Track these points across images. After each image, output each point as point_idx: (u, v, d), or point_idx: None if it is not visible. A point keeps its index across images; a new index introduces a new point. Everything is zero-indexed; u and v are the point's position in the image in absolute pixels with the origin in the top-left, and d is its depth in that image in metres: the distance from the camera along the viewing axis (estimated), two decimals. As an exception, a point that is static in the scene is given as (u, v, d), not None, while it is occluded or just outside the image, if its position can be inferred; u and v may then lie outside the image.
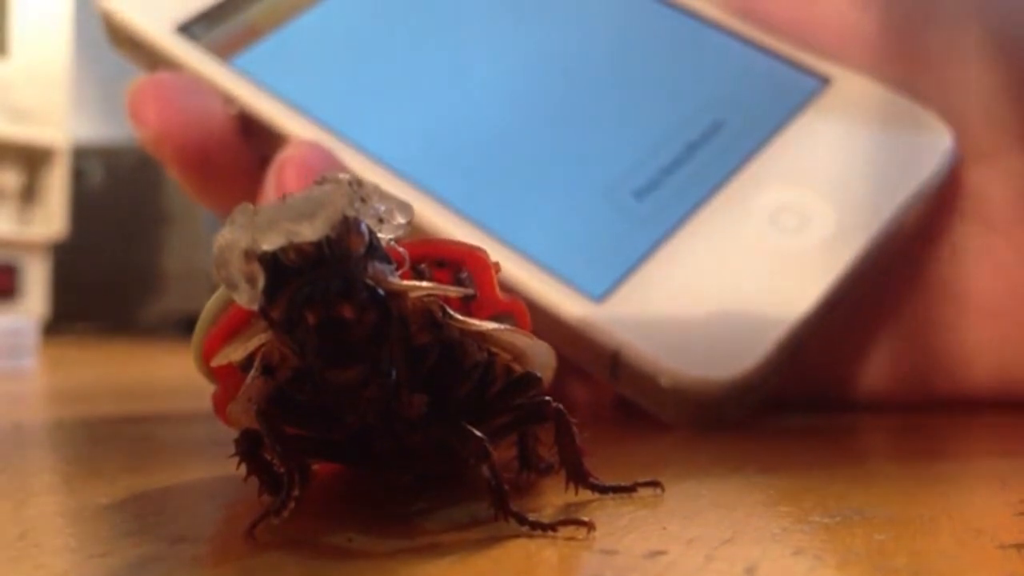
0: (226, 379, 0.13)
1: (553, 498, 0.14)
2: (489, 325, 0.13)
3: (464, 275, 0.14)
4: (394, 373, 0.12)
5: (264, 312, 0.12)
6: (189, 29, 0.26)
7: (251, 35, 0.26)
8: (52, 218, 0.66)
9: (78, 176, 0.73)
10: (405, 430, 0.13)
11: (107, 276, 0.76)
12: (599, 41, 0.27)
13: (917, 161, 0.24)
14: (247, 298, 0.12)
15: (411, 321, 0.12)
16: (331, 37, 0.26)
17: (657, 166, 0.24)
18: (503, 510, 0.12)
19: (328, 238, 0.11)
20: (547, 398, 0.13)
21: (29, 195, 0.66)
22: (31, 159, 0.66)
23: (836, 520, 0.13)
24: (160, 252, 0.75)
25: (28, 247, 0.66)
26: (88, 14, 0.29)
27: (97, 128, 0.83)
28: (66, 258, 0.70)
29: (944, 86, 0.24)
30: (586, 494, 0.14)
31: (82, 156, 0.74)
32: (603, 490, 0.14)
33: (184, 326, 0.69)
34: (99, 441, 0.21)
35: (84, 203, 0.72)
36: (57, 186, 0.66)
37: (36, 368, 0.40)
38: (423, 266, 0.13)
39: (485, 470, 0.12)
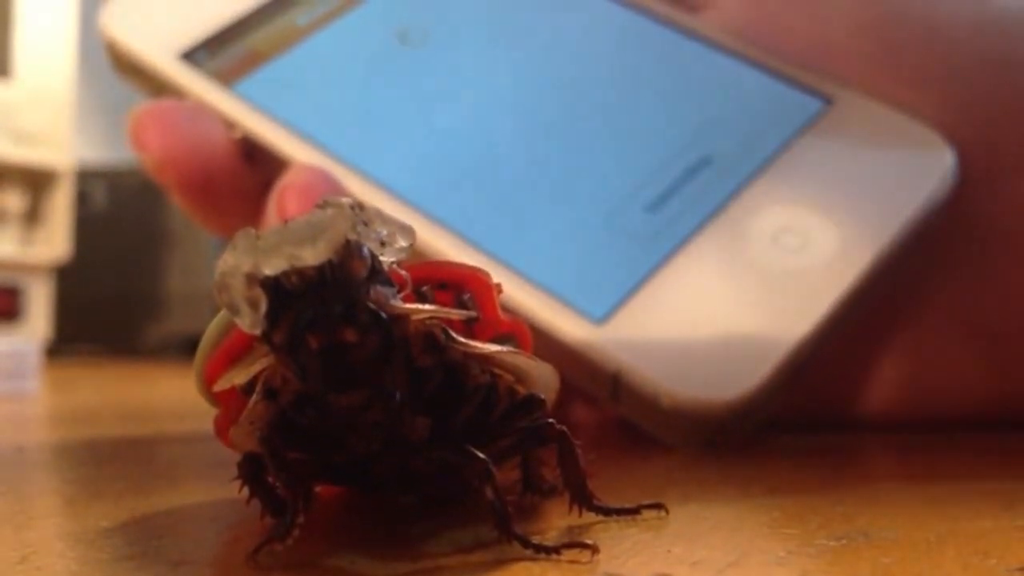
0: (228, 403, 0.13)
1: (557, 520, 0.14)
2: (492, 347, 0.13)
3: (466, 297, 0.14)
4: (397, 396, 0.12)
5: (266, 336, 0.12)
6: (192, 56, 0.26)
7: (253, 61, 0.26)
8: (55, 240, 0.66)
9: (82, 198, 0.73)
10: (408, 453, 0.13)
11: (110, 298, 0.76)
12: (600, 63, 0.27)
13: (920, 180, 0.24)
14: (249, 322, 0.12)
15: (413, 344, 0.12)
16: (332, 62, 0.26)
17: (659, 188, 0.24)
18: (506, 532, 0.12)
19: (330, 262, 0.11)
20: (550, 420, 0.13)
21: (33, 217, 0.66)
22: (35, 181, 0.66)
23: (842, 542, 0.13)
24: (163, 274, 0.75)
25: (31, 269, 0.66)
26: (92, 37, 0.29)
27: (101, 151, 0.83)
28: (69, 280, 0.70)
29: (944, 107, 0.24)
30: (590, 516, 0.14)
31: (86, 178, 0.74)
32: (607, 512, 0.14)
33: (187, 348, 0.69)
34: (101, 463, 0.21)
35: (87, 225, 0.72)
36: (60, 208, 0.66)
37: (38, 390, 0.40)
38: (425, 288, 0.13)
39: (488, 492, 0.12)
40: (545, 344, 0.21)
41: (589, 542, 0.12)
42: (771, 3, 0.26)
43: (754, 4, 0.26)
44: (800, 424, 0.23)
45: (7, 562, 0.12)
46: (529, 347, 0.15)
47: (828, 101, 0.25)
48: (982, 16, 0.25)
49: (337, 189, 0.23)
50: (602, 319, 0.21)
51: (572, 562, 0.12)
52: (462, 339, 0.13)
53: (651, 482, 0.18)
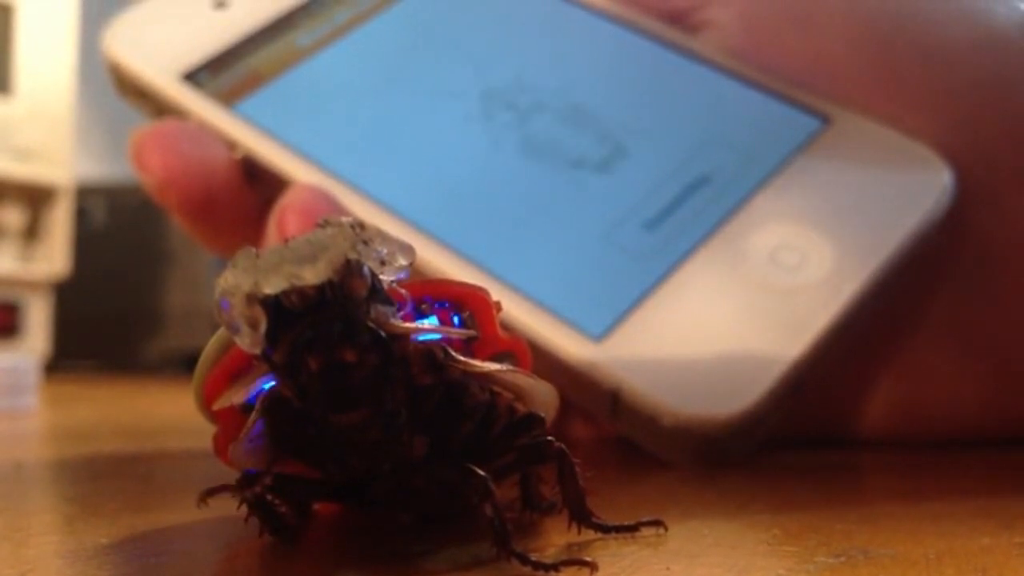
0: (227, 421, 0.13)
1: (556, 538, 0.14)
2: (491, 366, 0.13)
3: (465, 315, 0.14)
4: (397, 415, 0.12)
5: (266, 356, 0.12)
6: (194, 77, 0.26)
7: (254, 82, 0.26)
8: (54, 256, 0.66)
9: (81, 215, 0.73)
10: (407, 471, 0.13)
11: (109, 315, 0.76)
12: (599, 83, 0.27)
13: (916, 198, 0.24)
14: (249, 342, 0.12)
15: (413, 363, 0.12)
16: (333, 83, 0.26)
17: (657, 206, 0.24)
18: (505, 550, 0.12)
19: (330, 281, 0.11)
20: (550, 438, 0.13)
21: (32, 233, 0.66)
22: (34, 198, 0.66)
23: (841, 560, 0.13)
24: (162, 291, 0.75)
25: (30, 285, 0.66)
26: (92, 53, 0.29)
27: (100, 167, 0.83)
28: (68, 296, 0.70)
29: (941, 126, 0.24)
30: (589, 534, 0.14)
31: (85, 195, 0.74)
32: (606, 530, 0.14)
33: (186, 365, 0.69)
34: (100, 480, 0.21)
35: (87, 242, 0.72)
36: (60, 225, 0.66)
37: (37, 407, 0.40)
38: (424, 307, 0.13)
39: (487, 509, 0.12)
40: (544, 362, 0.21)
41: (588, 559, 0.12)
42: (769, 24, 0.26)
43: (752, 25, 0.26)
44: (799, 442, 0.23)
45: (6, 580, 0.12)
46: (528, 365, 0.15)
47: (825, 120, 0.25)
48: (978, 35, 0.25)
49: (337, 208, 0.23)
50: (601, 337, 0.21)
51: (571, 580, 0.12)
52: (461, 357, 0.13)
53: (650, 499, 0.18)
